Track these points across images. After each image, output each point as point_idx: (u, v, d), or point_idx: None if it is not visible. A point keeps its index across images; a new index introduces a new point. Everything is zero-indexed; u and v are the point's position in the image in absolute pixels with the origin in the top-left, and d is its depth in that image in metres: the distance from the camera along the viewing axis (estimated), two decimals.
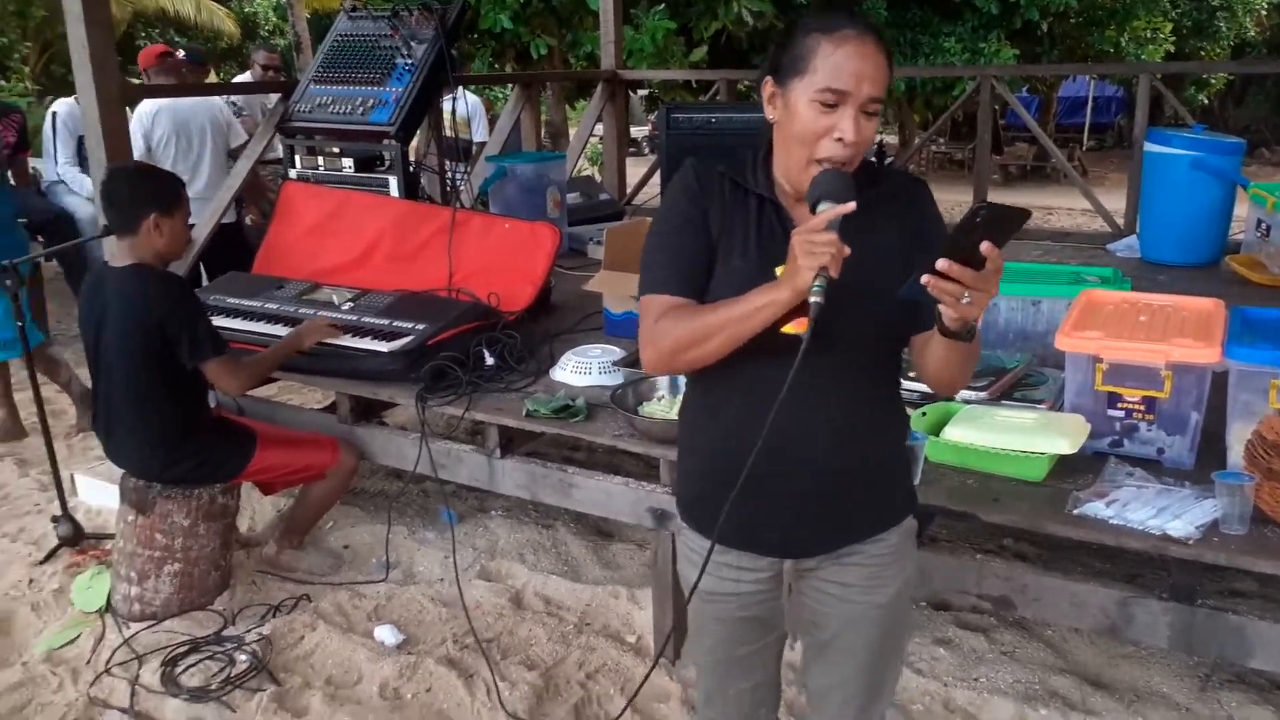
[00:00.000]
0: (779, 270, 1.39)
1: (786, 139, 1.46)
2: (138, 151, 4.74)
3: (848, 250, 1.31)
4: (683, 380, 1.62)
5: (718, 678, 1.73)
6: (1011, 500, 2.30)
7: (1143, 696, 2.59)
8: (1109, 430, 2.49)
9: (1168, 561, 2.14)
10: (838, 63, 1.37)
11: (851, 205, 1.33)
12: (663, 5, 9.09)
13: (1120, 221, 5.46)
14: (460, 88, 6.24)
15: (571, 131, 10.45)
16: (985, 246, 1.24)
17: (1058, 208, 12.78)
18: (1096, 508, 2.21)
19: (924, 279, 1.26)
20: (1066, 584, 2.25)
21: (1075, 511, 2.22)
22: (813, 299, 1.30)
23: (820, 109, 1.39)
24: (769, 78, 1.47)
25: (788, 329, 1.39)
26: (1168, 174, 4.51)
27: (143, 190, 2.88)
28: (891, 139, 19.57)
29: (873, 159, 1.57)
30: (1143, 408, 2.45)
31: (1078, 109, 20.21)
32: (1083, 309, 2.71)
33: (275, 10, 19.34)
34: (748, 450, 1.39)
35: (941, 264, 1.24)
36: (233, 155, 5.17)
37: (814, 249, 1.30)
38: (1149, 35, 13.24)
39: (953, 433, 2.47)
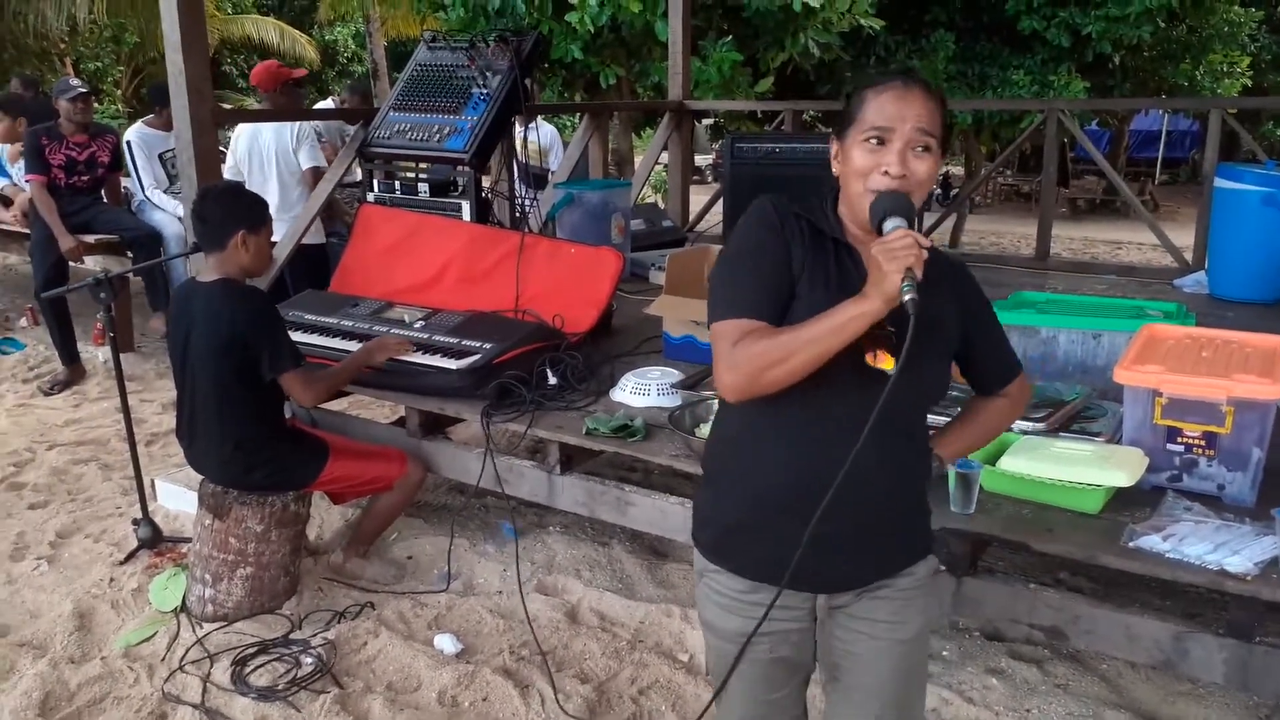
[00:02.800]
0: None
1: (845, 182, 1.56)
2: (226, 170, 4.97)
3: (929, 243, 1.41)
4: (731, 411, 1.62)
5: (750, 714, 1.71)
6: (1066, 531, 2.31)
7: None
8: (1168, 465, 2.49)
9: (1226, 599, 2.13)
10: (880, 105, 1.49)
11: (906, 229, 1.42)
12: (730, 37, 9.20)
13: (1189, 257, 5.39)
14: (538, 117, 6.42)
15: (637, 160, 10.59)
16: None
17: (1127, 242, 12.58)
18: (1153, 541, 2.21)
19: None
20: (1120, 616, 2.25)
21: (1131, 544, 2.22)
22: (906, 297, 1.35)
23: (870, 148, 1.50)
24: (834, 138, 1.59)
25: (884, 365, 1.45)
26: (1238, 210, 4.47)
27: (232, 209, 3.04)
28: (958, 170, 19.42)
29: (936, 201, 1.66)
30: (1203, 443, 2.44)
31: (1151, 143, 19.86)
32: (1144, 343, 2.71)
33: (354, 38, 19.94)
34: (802, 477, 1.49)
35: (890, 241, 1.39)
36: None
37: (896, 254, 1.36)
38: (1225, 69, 13.00)
39: (1009, 463, 2.48)
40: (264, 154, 5.26)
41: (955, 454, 1.83)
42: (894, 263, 1.35)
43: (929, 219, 9.98)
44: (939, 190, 16.54)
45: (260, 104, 5.69)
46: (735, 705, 1.71)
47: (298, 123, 5.40)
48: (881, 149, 1.49)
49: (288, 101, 5.49)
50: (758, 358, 1.44)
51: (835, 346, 1.41)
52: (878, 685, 1.63)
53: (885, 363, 1.44)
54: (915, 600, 1.63)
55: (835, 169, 1.59)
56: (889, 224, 1.44)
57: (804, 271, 1.54)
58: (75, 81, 6.16)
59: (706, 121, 14.87)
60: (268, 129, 5.24)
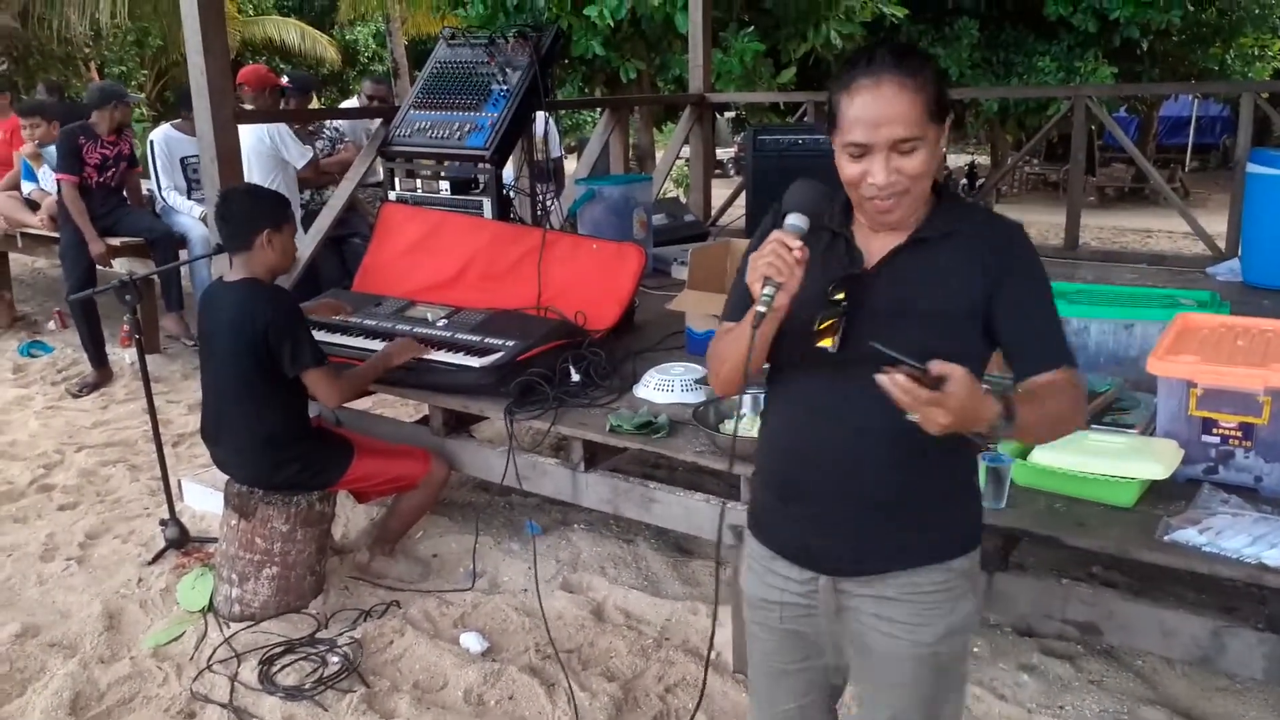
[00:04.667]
0: (837, 294, 1.47)
1: (845, 187, 1.53)
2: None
3: (799, 254, 1.40)
4: (764, 398, 1.70)
5: (765, 690, 1.76)
6: (1100, 526, 2.27)
7: None
8: (1203, 457, 2.44)
9: (1264, 593, 2.08)
10: (855, 116, 1.42)
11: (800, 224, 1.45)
12: (751, 28, 9.15)
13: (1221, 245, 5.30)
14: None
15: (658, 155, 10.56)
16: (938, 366, 1.26)
17: (1156, 230, 12.41)
18: (1189, 535, 2.16)
19: (879, 376, 1.27)
20: (1156, 611, 2.21)
21: (1166, 538, 2.17)
22: (757, 308, 1.40)
23: (851, 158, 1.45)
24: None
25: (822, 343, 1.46)
26: (1272, 195, 4.38)
27: (255, 209, 3.06)
28: (985, 160, 19.25)
29: (962, 191, 1.62)
30: (1239, 434, 2.39)
31: (1180, 129, 19.63)
32: (1178, 333, 2.66)
33: (375, 38, 20.01)
34: (794, 461, 1.56)
35: (881, 379, 1.26)
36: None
37: (756, 264, 1.41)
38: (1256, 53, 12.80)
39: (1041, 456, 2.44)
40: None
41: (1024, 427, 1.39)
42: (753, 272, 1.41)
43: None
44: (965, 181, 16.40)
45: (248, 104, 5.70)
46: (753, 668, 1.77)
47: (274, 125, 5.44)
48: (863, 158, 1.44)
49: (260, 111, 5.54)
50: (711, 360, 1.65)
51: (742, 351, 1.46)
52: (898, 684, 1.59)
53: (825, 341, 1.45)
54: (941, 602, 1.55)
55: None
56: (786, 221, 1.46)
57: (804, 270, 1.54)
58: (115, 86, 6.26)
59: (728, 115, 14.81)
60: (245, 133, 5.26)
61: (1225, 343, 2.58)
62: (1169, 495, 2.35)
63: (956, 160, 19.76)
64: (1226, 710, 2.59)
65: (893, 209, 1.47)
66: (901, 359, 1.26)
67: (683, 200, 6.99)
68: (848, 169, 1.46)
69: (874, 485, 1.51)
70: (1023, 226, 1.57)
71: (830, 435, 1.52)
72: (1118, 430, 2.62)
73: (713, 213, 6.77)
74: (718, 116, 10.57)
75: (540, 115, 6.71)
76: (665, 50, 9.60)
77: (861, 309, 1.46)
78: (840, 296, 1.45)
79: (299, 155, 5.45)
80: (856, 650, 1.62)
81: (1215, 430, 2.41)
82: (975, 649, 2.86)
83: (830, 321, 1.44)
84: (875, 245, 1.54)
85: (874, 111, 1.40)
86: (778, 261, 1.39)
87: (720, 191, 7.15)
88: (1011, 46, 11.31)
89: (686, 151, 6.86)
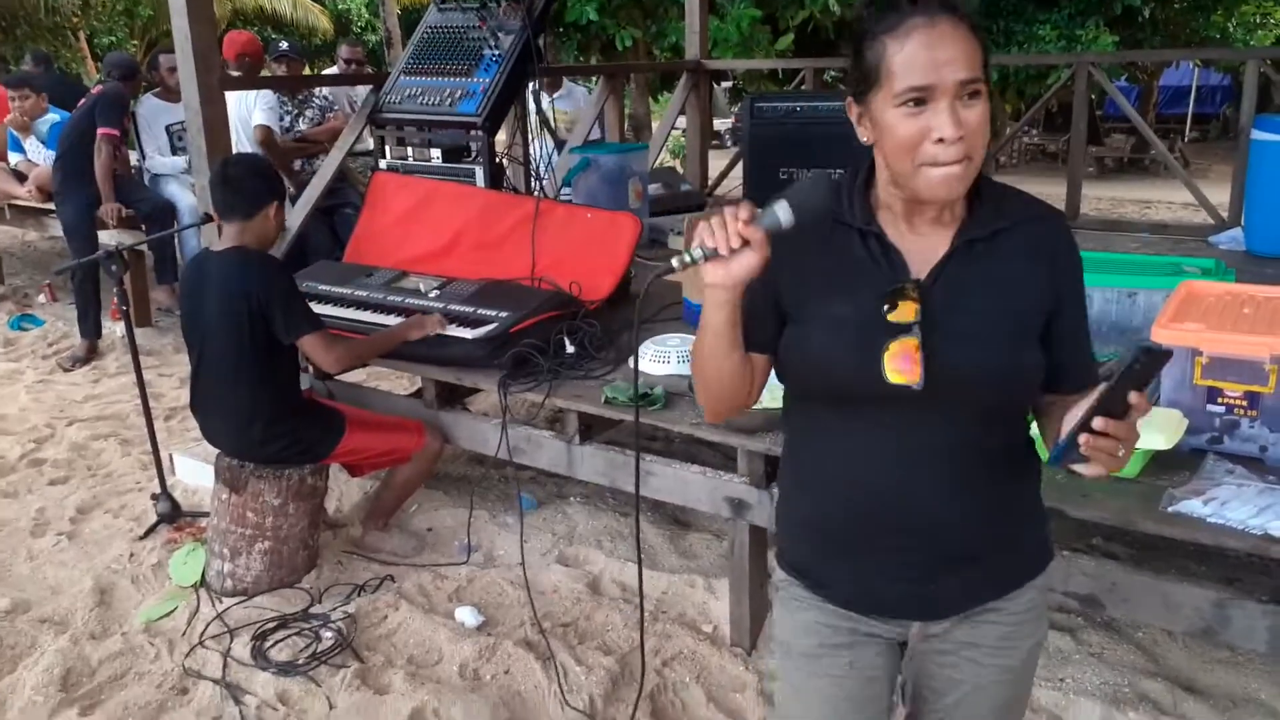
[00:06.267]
0: (891, 314, 1.26)
1: (886, 156, 1.27)
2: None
3: (750, 253, 1.20)
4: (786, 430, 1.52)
5: None
6: (1103, 497, 2.23)
7: (1239, 703, 2.49)
8: (1208, 427, 2.39)
9: (1268, 564, 2.05)
10: (910, 56, 1.20)
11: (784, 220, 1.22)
12: None
13: (1224, 214, 5.24)
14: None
15: (654, 124, 10.45)
16: (1134, 396, 1.11)
17: (1157, 201, 12.33)
18: (1193, 505, 2.13)
19: (1081, 439, 1.12)
20: (1158, 583, 2.18)
21: (1170, 509, 2.14)
22: (673, 263, 1.23)
23: (908, 113, 1.21)
24: (850, 100, 1.31)
25: (896, 379, 1.25)
26: (1276, 162, 4.31)
27: (265, 180, 3.06)
28: None
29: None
30: (1245, 403, 2.34)
31: (1180, 99, 19.49)
32: (1182, 300, 2.61)
33: (368, 6, 19.79)
34: (837, 513, 1.36)
35: (1100, 423, 1.10)
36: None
37: (712, 229, 1.21)
38: (1258, 20, 12.68)
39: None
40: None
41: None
42: (691, 231, 1.26)
43: None
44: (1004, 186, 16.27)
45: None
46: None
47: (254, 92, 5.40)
48: (923, 111, 1.20)
49: (246, 78, 5.51)
50: (694, 375, 1.40)
51: (709, 351, 1.31)
52: (975, 714, 1.46)
53: (900, 377, 1.24)
54: (1024, 625, 1.42)
55: (864, 137, 1.30)
56: (774, 206, 1.22)
57: (807, 287, 1.34)
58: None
59: (725, 85, 14.67)
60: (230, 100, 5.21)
61: (1231, 311, 2.53)
62: (1173, 466, 2.31)
63: None
64: (1227, 682, 2.58)
65: (962, 176, 1.23)
66: (1071, 443, 1.13)
67: (679, 170, 6.91)
68: (902, 129, 1.21)
69: (953, 522, 1.33)
70: (1064, 216, 1.41)
71: (892, 478, 1.32)
72: None
73: (709, 182, 6.70)
74: (715, 87, 10.47)
75: (580, 92, 6.56)
76: (662, 17, 9.49)
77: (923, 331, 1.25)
78: (908, 317, 1.24)
79: (261, 116, 5.38)
80: (933, 684, 1.47)
81: (1221, 399, 2.37)
82: None
83: (901, 346, 1.24)
84: (914, 246, 1.31)
85: (934, 52, 1.19)
86: (718, 229, 1.20)
87: (717, 163, 7.07)
88: (1011, 14, 11.18)
89: (683, 121, 6.78)
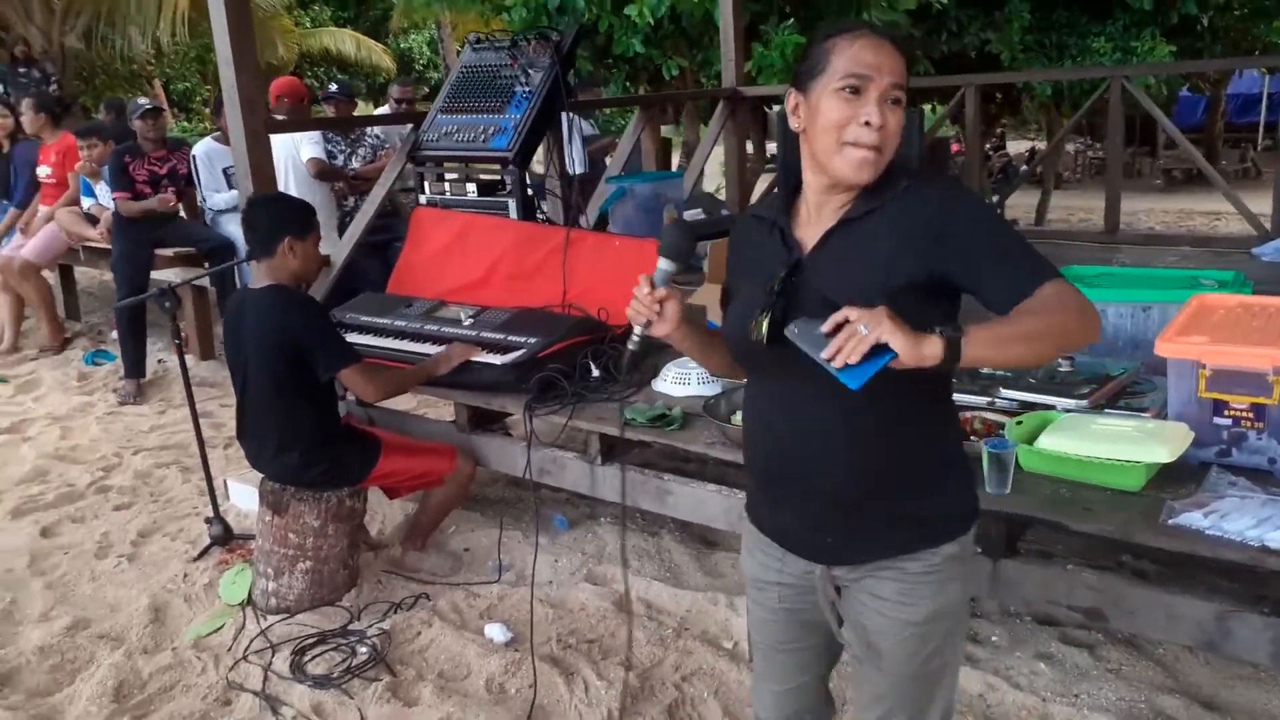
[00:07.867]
0: (772, 285, 1.50)
1: (812, 138, 1.48)
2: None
3: (669, 304, 1.54)
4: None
5: (764, 667, 1.82)
6: (1106, 510, 2.25)
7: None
8: (1215, 439, 2.40)
9: (1265, 577, 2.05)
10: (857, 53, 1.43)
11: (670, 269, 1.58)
12: (792, 20, 9.10)
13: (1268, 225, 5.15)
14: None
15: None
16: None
17: (1227, 213, 11.98)
18: (1193, 518, 2.14)
19: (824, 358, 1.30)
20: (1161, 596, 2.19)
21: (1170, 521, 2.15)
22: (629, 347, 1.61)
23: (844, 98, 1.43)
24: (792, 90, 1.51)
25: (756, 336, 1.50)
26: None
27: (278, 216, 3.17)
28: (1043, 145, 18.79)
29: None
30: (1251, 415, 2.34)
31: (1251, 107, 18.93)
32: (1192, 313, 2.62)
33: (429, 45, 20.34)
34: (763, 455, 1.63)
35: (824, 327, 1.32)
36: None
37: (636, 309, 1.56)
38: None
39: (1046, 441, 2.43)
40: (276, 165, 5.43)
41: (979, 355, 1.35)
42: (637, 318, 1.57)
43: (1015, 196, 9.72)
44: (1025, 167, 16.05)
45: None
46: (756, 643, 1.82)
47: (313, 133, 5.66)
48: (857, 99, 1.42)
49: (290, 120, 5.75)
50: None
51: (697, 355, 1.76)
52: (889, 659, 1.61)
53: (754, 330, 1.47)
54: (927, 584, 1.55)
55: (794, 124, 1.52)
56: (660, 264, 1.57)
57: (736, 274, 1.68)
58: (144, 100, 6.49)
59: (778, 108, 14.73)
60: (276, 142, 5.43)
61: (1241, 323, 2.53)
62: (1179, 479, 2.32)
63: (1017, 146, 19.35)
64: (1249, 699, 2.54)
65: (875, 161, 1.44)
66: (807, 350, 1.32)
67: (719, 196, 6.99)
68: (835, 110, 1.43)
69: (839, 478, 1.53)
70: (956, 178, 1.60)
71: (789, 430, 1.56)
72: (1130, 414, 2.59)
73: (751, 205, 6.76)
74: (768, 111, 10.51)
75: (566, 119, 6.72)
76: (707, 46, 9.59)
77: (800, 298, 1.47)
78: (773, 287, 1.48)
79: (309, 151, 5.63)
80: (851, 625, 1.65)
81: (1226, 412, 2.37)
82: (994, 638, 2.85)
83: (766, 313, 1.46)
84: (810, 233, 1.55)
85: (877, 55, 1.43)
86: (639, 307, 1.55)
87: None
88: (1064, 28, 11.02)
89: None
